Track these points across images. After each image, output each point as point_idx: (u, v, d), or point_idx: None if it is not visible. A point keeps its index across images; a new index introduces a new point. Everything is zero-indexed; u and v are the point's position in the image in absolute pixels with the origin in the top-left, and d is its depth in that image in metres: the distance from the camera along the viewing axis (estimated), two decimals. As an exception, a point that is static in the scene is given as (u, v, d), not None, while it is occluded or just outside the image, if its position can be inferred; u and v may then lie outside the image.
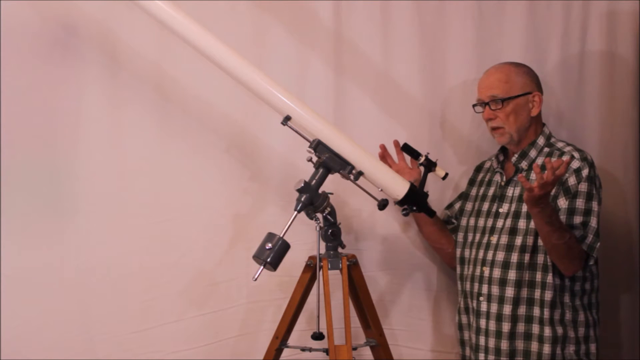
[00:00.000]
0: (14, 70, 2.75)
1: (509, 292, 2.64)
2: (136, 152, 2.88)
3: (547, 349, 2.60)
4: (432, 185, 2.85)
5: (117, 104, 2.85)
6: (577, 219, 2.56)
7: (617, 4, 3.01)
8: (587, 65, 3.02)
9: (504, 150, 2.83)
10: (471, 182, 2.92)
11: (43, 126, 2.80)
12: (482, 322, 2.70)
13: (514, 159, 2.72)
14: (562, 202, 2.58)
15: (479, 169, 2.92)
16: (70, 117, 2.81)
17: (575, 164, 2.60)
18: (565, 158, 2.48)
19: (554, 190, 2.57)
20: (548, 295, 2.61)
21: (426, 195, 2.73)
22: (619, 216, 2.96)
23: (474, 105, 2.71)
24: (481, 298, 2.70)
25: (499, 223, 2.69)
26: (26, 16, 2.76)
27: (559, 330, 2.61)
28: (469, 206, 2.86)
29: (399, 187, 2.66)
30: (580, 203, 2.56)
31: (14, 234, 2.76)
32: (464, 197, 2.92)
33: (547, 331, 2.60)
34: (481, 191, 2.84)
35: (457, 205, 2.92)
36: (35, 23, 2.78)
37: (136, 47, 2.86)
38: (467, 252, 2.79)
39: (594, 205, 2.57)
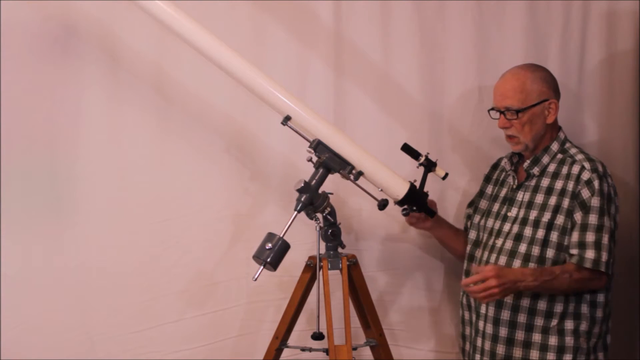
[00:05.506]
0: (14, 70, 2.75)
1: (508, 297, 2.59)
2: (136, 152, 2.88)
3: (551, 356, 2.58)
4: (432, 185, 2.84)
5: (117, 103, 2.85)
6: (590, 237, 2.53)
7: (617, 4, 3.00)
8: (587, 65, 3.02)
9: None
10: (487, 179, 2.88)
11: (43, 126, 2.80)
12: (480, 324, 2.68)
13: (526, 164, 2.69)
14: (578, 217, 2.56)
15: (495, 166, 2.87)
16: (70, 117, 2.82)
17: (586, 175, 2.57)
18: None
19: (567, 204, 2.57)
20: (558, 307, 2.57)
21: (426, 195, 2.72)
22: (619, 216, 2.95)
23: (489, 110, 2.69)
24: None
25: (506, 227, 2.67)
26: (26, 16, 2.76)
27: (569, 340, 2.57)
28: (483, 204, 2.84)
29: (399, 187, 2.65)
30: (593, 219, 2.54)
31: (14, 234, 2.76)
32: (479, 194, 2.89)
33: (553, 340, 2.58)
34: (495, 190, 2.81)
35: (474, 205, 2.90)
36: (35, 23, 2.78)
37: (136, 47, 2.86)
38: (476, 251, 2.77)
39: (606, 220, 2.55)
